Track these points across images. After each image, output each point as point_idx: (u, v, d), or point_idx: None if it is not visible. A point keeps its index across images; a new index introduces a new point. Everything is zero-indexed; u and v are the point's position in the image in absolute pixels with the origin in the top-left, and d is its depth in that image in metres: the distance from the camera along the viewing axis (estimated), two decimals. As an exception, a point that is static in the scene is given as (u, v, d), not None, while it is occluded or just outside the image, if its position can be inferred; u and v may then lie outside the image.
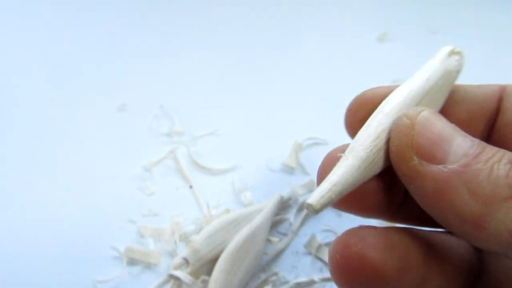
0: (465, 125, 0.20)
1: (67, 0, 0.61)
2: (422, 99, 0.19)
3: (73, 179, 0.40)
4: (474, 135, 0.21)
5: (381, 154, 0.18)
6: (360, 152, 0.17)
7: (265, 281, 0.34)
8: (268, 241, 0.36)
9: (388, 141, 0.18)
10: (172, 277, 0.32)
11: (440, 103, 0.20)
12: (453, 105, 0.21)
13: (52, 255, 0.34)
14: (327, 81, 0.51)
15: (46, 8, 0.59)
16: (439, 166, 0.16)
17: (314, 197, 0.17)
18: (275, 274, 0.35)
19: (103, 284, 0.33)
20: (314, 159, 0.42)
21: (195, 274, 0.33)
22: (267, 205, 0.36)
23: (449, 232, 0.19)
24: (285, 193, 0.38)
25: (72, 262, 0.34)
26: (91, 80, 0.50)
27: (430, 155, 0.17)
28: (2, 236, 0.35)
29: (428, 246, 0.19)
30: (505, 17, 0.65)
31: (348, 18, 0.62)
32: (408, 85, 0.19)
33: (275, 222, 0.37)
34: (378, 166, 0.18)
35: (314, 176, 0.40)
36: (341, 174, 0.17)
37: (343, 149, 0.19)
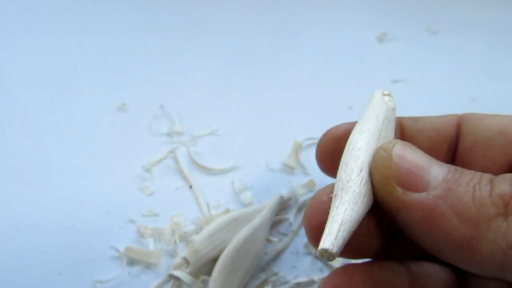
0: (428, 152, 0.21)
1: (67, 0, 0.60)
2: (381, 132, 0.20)
3: (73, 179, 0.40)
4: None
5: (369, 187, 0.18)
6: (352, 187, 0.17)
7: (265, 281, 0.34)
8: (268, 241, 0.36)
9: (371, 174, 0.18)
10: (172, 277, 0.32)
11: (393, 135, 0.21)
12: (415, 134, 0.22)
13: (52, 255, 0.34)
14: (327, 81, 0.51)
15: (46, 8, 0.59)
16: (423, 194, 0.17)
17: (327, 241, 0.16)
18: (275, 274, 0.35)
19: (103, 284, 0.33)
20: (314, 159, 0.42)
21: (195, 274, 0.33)
22: (267, 205, 0.36)
23: (431, 260, 0.20)
24: (285, 193, 0.38)
25: (72, 262, 0.34)
26: (91, 80, 0.50)
27: (412, 184, 0.17)
28: (2, 236, 0.35)
29: (412, 277, 0.19)
30: (505, 17, 0.65)
31: (348, 18, 0.62)
32: (364, 123, 0.20)
33: (275, 222, 0.37)
34: (370, 200, 0.18)
35: (314, 176, 0.40)
36: (344, 212, 0.17)
37: (327, 191, 0.19)
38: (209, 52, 0.54)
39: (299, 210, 0.38)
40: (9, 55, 0.52)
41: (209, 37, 0.56)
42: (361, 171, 0.18)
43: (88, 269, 0.34)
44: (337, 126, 0.22)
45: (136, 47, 0.54)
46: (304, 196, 0.39)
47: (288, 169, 0.41)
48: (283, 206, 0.38)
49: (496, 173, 0.20)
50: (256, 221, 0.35)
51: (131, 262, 0.34)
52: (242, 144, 0.43)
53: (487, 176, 0.17)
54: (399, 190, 0.17)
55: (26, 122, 0.44)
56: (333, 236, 0.16)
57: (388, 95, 0.22)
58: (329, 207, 0.18)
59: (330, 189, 0.19)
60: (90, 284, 0.33)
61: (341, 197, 0.17)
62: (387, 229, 0.20)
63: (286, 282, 0.34)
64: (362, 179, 0.18)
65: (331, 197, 0.18)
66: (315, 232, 0.18)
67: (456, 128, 0.22)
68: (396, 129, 0.22)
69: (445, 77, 0.54)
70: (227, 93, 0.49)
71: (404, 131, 0.22)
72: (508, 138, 0.20)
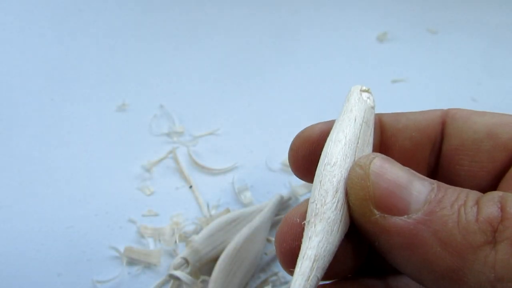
0: (410, 153, 0.20)
1: (67, 0, 0.61)
2: (358, 139, 0.18)
3: (73, 179, 0.40)
4: (420, 163, 0.20)
5: (345, 209, 0.16)
6: (326, 213, 0.16)
7: (265, 281, 0.34)
8: (268, 241, 0.36)
9: (347, 194, 0.16)
10: (172, 277, 0.32)
11: (371, 138, 0.19)
12: (396, 134, 0.21)
13: (52, 255, 0.34)
14: (327, 80, 0.51)
15: (46, 8, 0.59)
16: (403, 218, 0.15)
17: (299, 284, 0.15)
18: (275, 274, 0.35)
19: (103, 284, 0.33)
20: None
21: (195, 274, 0.33)
22: (267, 205, 0.36)
23: None
24: (285, 193, 0.38)
25: (72, 262, 0.34)
26: (91, 80, 0.50)
27: (391, 207, 0.15)
28: (2, 236, 0.35)
29: None
30: (504, 17, 0.65)
31: (348, 18, 0.62)
32: (340, 128, 0.18)
33: (275, 222, 0.37)
34: (346, 224, 0.16)
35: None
36: (317, 245, 0.15)
37: (300, 212, 0.17)
38: (209, 52, 0.54)
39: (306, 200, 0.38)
40: (9, 55, 0.52)
41: (209, 37, 0.56)
42: (336, 191, 0.16)
43: (88, 269, 0.34)
44: (312, 127, 0.21)
45: (136, 47, 0.54)
46: (304, 196, 0.39)
47: (288, 169, 0.41)
48: (283, 206, 0.38)
49: (484, 179, 0.19)
50: (256, 221, 0.35)
51: (131, 262, 0.34)
52: (242, 144, 0.43)
53: (473, 195, 0.15)
54: (377, 213, 0.15)
55: (26, 122, 0.44)
56: (305, 277, 0.15)
57: (367, 91, 0.20)
58: (301, 231, 0.16)
59: (303, 209, 0.17)
60: (90, 284, 0.33)
61: (315, 225, 0.16)
62: (366, 250, 0.18)
63: (286, 282, 0.34)
64: (337, 201, 0.16)
65: (304, 223, 0.16)
66: (287, 257, 0.17)
67: (440, 125, 0.20)
68: (375, 129, 0.20)
69: (445, 77, 0.54)
70: (227, 93, 0.49)
71: (384, 129, 0.21)
72: (497, 142, 0.19)
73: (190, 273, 0.32)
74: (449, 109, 0.21)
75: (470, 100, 0.51)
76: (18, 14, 0.58)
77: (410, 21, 0.61)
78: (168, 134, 0.44)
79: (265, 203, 0.37)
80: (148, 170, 0.40)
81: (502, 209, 0.15)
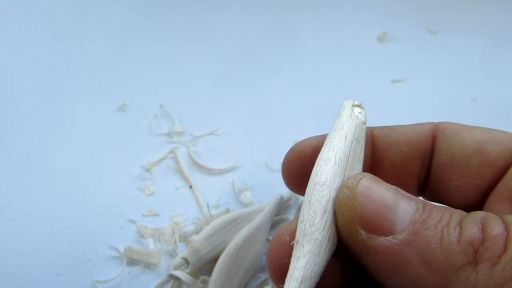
0: (400, 168, 0.20)
1: (67, 0, 0.61)
2: (348, 156, 0.18)
3: (73, 179, 0.40)
4: (410, 177, 0.21)
5: (334, 229, 0.17)
6: (314, 234, 0.16)
7: (265, 281, 0.34)
8: (268, 241, 0.36)
9: (335, 214, 0.17)
10: (172, 277, 0.32)
11: (362, 155, 0.19)
12: (386, 148, 0.21)
13: (52, 255, 0.34)
14: (327, 80, 0.51)
15: (46, 8, 0.59)
16: (389, 238, 0.15)
17: None
18: (275, 274, 0.35)
19: (103, 284, 0.33)
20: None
21: (195, 274, 0.33)
22: (267, 205, 0.36)
23: None
24: (285, 193, 0.38)
25: (72, 262, 0.34)
26: (91, 80, 0.50)
27: (377, 227, 0.16)
28: (2, 236, 0.35)
29: None
30: (504, 17, 0.65)
31: (348, 18, 0.62)
32: (331, 146, 0.19)
33: (275, 222, 0.37)
34: (334, 243, 0.17)
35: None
36: (304, 266, 0.16)
37: (289, 230, 0.18)
38: (209, 53, 0.54)
39: (299, 210, 0.38)
40: (9, 55, 0.52)
41: (209, 38, 0.56)
42: (324, 212, 0.17)
43: (88, 269, 0.34)
44: (304, 142, 0.21)
45: (136, 47, 0.54)
46: (304, 196, 0.39)
47: (288, 169, 0.41)
48: (283, 206, 0.38)
49: (472, 194, 0.19)
50: (256, 221, 0.35)
51: (131, 262, 0.34)
52: (242, 144, 0.43)
53: (456, 216, 0.16)
54: (363, 234, 0.16)
55: (26, 122, 0.44)
56: None
57: (359, 105, 0.20)
58: (290, 249, 0.17)
59: (293, 226, 0.18)
60: (90, 284, 0.33)
61: (303, 246, 0.16)
62: (354, 267, 0.19)
63: (286, 282, 0.34)
64: (325, 222, 0.17)
65: (293, 243, 0.17)
66: (276, 273, 0.18)
67: (431, 139, 0.21)
68: (367, 142, 0.20)
69: (445, 77, 0.54)
70: (227, 93, 0.49)
71: (375, 144, 0.21)
72: (485, 158, 0.19)
73: (190, 273, 0.32)
74: (439, 122, 0.21)
75: (470, 100, 0.51)
76: (18, 14, 0.58)
77: (410, 21, 0.61)
78: (168, 134, 0.44)
79: (265, 203, 0.37)
80: (148, 170, 0.40)
81: (483, 230, 0.15)
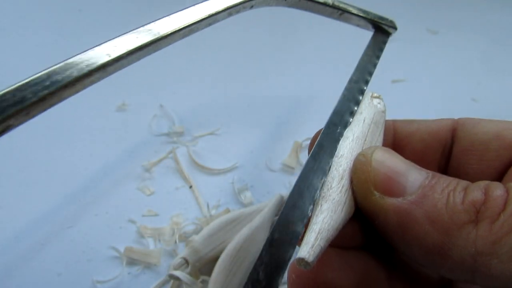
0: (421, 155, 0.22)
1: (67, 0, 0.61)
2: (366, 137, 0.20)
3: (72, 179, 0.40)
4: (431, 164, 0.22)
5: (350, 194, 0.18)
6: (332, 195, 0.18)
7: (265, 281, 0.34)
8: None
9: (351, 181, 0.19)
10: (172, 277, 0.32)
11: (380, 138, 0.21)
12: (408, 136, 0.22)
13: (52, 255, 0.34)
14: (326, 80, 0.51)
15: (46, 8, 0.59)
16: (399, 199, 0.17)
17: (304, 250, 0.16)
18: (275, 274, 0.35)
19: (103, 284, 0.33)
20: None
21: (195, 274, 0.33)
22: (267, 205, 0.36)
23: None
24: (285, 193, 0.38)
25: (72, 262, 0.34)
26: (91, 80, 0.49)
27: (389, 189, 0.17)
28: (2, 236, 0.35)
29: (392, 265, 0.20)
30: (504, 17, 0.65)
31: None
32: (350, 128, 0.21)
33: (275, 222, 0.37)
34: (351, 206, 0.18)
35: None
36: (323, 221, 0.17)
37: None
38: (209, 52, 0.54)
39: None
40: (9, 55, 0.52)
41: (209, 37, 0.56)
42: (342, 178, 0.18)
43: (88, 269, 0.34)
44: None
45: (136, 47, 0.54)
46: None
47: (288, 169, 0.41)
48: (283, 206, 0.38)
49: (491, 177, 0.20)
50: (256, 221, 0.35)
51: (131, 262, 0.34)
52: (242, 144, 0.43)
53: (463, 183, 0.17)
54: (376, 194, 0.17)
55: (26, 122, 0.44)
56: (309, 245, 0.16)
57: (378, 97, 0.22)
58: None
59: None
60: (90, 284, 0.33)
61: (321, 205, 0.18)
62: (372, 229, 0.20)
63: (285, 282, 0.34)
64: (342, 186, 0.18)
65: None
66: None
67: (451, 131, 0.22)
68: (385, 131, 0.22)
69: (445, 77, 0.54)
70: (227, 93, 0.49)
71: (397, 131, 0.23)
72: (504, 142, 0.20)
73: (190, 273, 0.32)
74: (459, 118, 0.23)
75: (470, 100, 0.51)
76: (18, 14, 0.58)
77: (410, 21, 0.61)
78: (168, 134, 0.44)
79: (265, 203, 0.37)
80: (148, 170, 0.40)
81: (486, 193, 0.16)
